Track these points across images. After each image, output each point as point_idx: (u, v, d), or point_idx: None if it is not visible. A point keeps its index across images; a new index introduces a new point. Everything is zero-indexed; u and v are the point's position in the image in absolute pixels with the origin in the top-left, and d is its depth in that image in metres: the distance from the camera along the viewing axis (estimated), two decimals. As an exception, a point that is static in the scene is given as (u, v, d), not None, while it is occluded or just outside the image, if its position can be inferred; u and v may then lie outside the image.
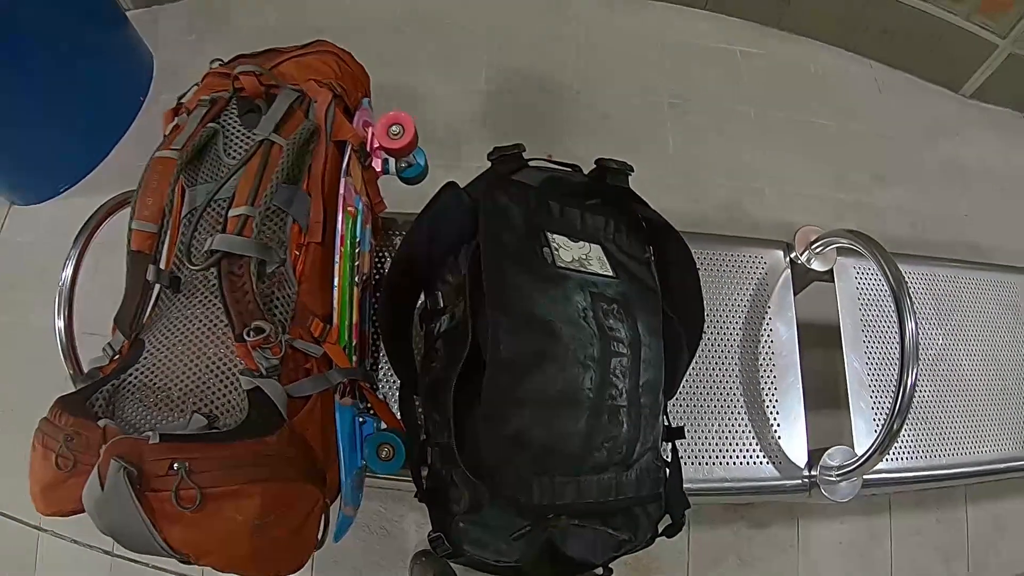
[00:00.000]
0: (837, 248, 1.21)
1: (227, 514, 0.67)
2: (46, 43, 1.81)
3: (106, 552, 1.62)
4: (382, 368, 1.10)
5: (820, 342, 1.26)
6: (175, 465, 0.65)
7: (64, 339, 1.04)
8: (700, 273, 1.02)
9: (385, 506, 1.60)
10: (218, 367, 0.82)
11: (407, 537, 1.59)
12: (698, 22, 2.32)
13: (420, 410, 0.97)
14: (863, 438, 1.13)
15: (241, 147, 0.92)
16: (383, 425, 0.96)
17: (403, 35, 2.25)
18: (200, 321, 0.85)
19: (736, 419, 1.13)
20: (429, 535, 0.86)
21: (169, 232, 0.89)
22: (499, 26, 2.27)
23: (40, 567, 1.64)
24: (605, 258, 0.92)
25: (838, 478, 1.07)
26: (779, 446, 1.12)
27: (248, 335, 0.75)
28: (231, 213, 0.81)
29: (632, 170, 1.00)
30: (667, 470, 0.92)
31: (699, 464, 1.09)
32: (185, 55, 2.24)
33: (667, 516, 0.91)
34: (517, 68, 2.18)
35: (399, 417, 0.98)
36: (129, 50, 2.16)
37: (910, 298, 0.97)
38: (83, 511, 0.70)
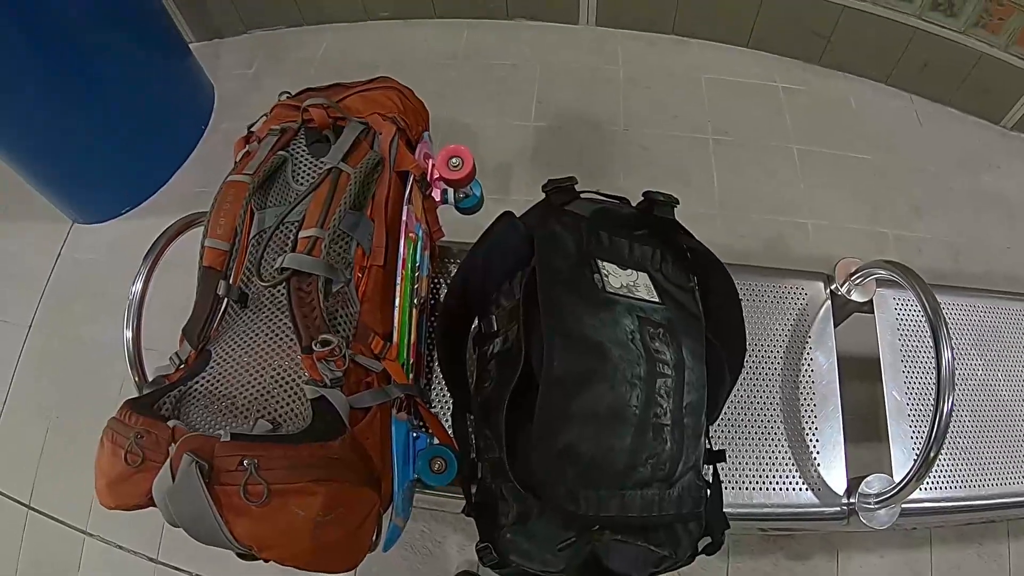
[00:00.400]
0: (876, 279, 1.22)
1: (291, 510, 0.70)
2: (116, 72, 1.93)
3: (150, 559, 1.68)
4: (435, 388, 1.15)
5: (860, 375, 1.26)
6: (244, 461, 0.68)
7: (132, 349, 1.08)
8: (743, 303, 1.04)
9: (429, 527, 1.64)
10: (282, 378, 0.85)
11: (449, 558, 1.62)
12: (740, 59, 2.37)
13: (471, 429, 1.01)
14: (901, 466, 1.13)
15: (309, 174, 0.98)
16: (435, 441, 0.99)
17: (454, 72, 2.35)
18: (266, 335, 0.89)
19: (776, 446, 1.14)
20: (477, 545, 0.88)
21: (238, 251, 0.94)
22: (547, 64, 2.35)
23: (83, 571, 1.70)
24: (652, 286, 0.96)
25: (876, 505, 1.07)
26: (818, 473, 1.13)
27: (315, 347, 0.80)
28: (302, 234, 0.87)
29: (678, 202, 1.03)
30: (708, 490, 0.94)
31: (739, 489, 1.11)
32: (244, 87, 2.36)
33: (708, 536, 0.93)
34: (565, 105, 2.25)
35: (451, 434, 1.02)
36: (192, 81, 2.27)
37: (946, 326, 0.97)
38: (145, 506, 0.74)
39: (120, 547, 1.70)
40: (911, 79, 2.29)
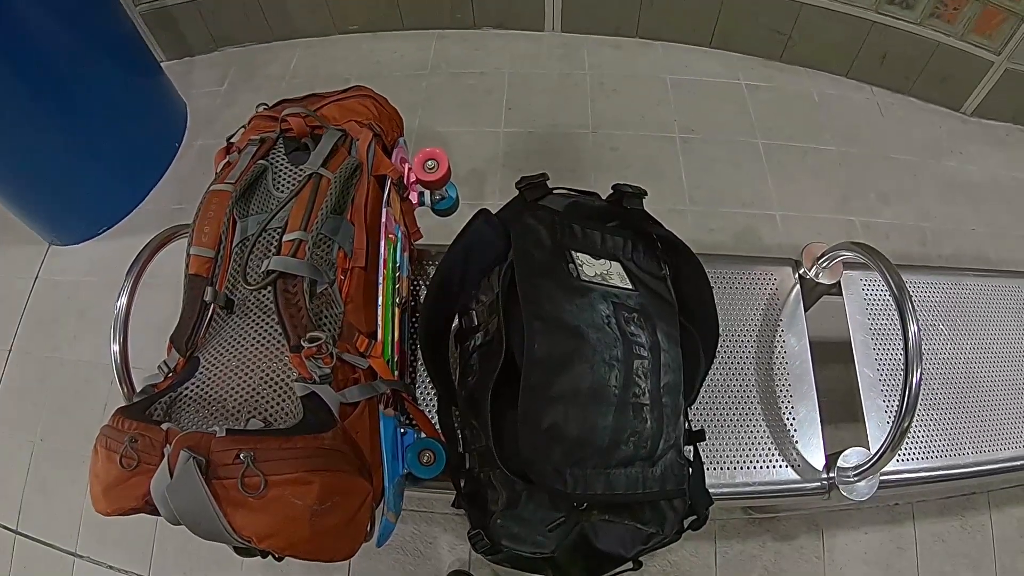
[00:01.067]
0: (843, 262, 1.26)
1: (288, 500, 0.71)
2: (88, 92, 1.93)
3: (141, 578, 1.68)
4: (419, 386, 1.17)
5: (833, 358, 1.30)
6: (241, 455, 0.69)
7: (119, 362, 1.09)
8: (715, 291, 1.07)
9: (419, 528, 1.66)
10: (271, 379, 0.87)
11: (440, 558, 1.63)
12: (704, 59, 2.44)
13: (457, 423, 1.03)
14: (877, 440, 1.16)
15: (289, 181, 1.00)
16: (423, 435, 1.02)
17: (424, 82, 2.38)
18: (253, 338, 0.91)
19: (755, 427, 1.18)
20: (469, 532, 0.91)
21: (223, 259, 0.96)
22: (516, 71, 2.40)
23: (75, 593, 1.69)
24: (624, 274, 0.99)
25: (855, 478, 1.10)
26: (797, 451, 1.16)
27: (304, 344, 0.82)
28: (286, 237, 0.89)
29: (646, 193, 1.07)
30: (690, 468, 0.97)
31: (720, 470, 1.14)
32: (217, 104, 2.37)
33: (693, 515, 0.96)
34: (534, 110, 2.30)
35: (438, 429, 1.05)
36: (165, 99, 2.28)
37: (911, 301, 1.01)
38: (141, 509, 0.76)
39: (111, 567, 1.69)
40: (871, 71, 2.36)
